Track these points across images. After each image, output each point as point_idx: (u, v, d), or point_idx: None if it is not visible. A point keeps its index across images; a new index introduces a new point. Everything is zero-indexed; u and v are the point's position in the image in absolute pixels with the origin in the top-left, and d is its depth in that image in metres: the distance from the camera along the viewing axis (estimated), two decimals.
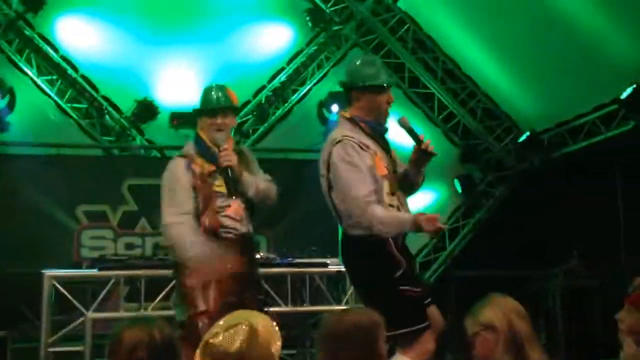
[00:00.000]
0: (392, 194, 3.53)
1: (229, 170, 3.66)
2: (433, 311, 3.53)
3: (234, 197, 3.69)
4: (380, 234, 3.40)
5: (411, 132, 3.56)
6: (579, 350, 6.62)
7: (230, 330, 2.03)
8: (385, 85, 3.58)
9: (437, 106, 8.49)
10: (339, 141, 3.45)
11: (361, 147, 3.48)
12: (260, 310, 3.41)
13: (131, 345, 2.20)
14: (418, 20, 8.23)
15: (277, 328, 2.09)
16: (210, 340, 2.03)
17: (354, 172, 3.43)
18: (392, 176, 3.55)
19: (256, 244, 3.88)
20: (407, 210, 3.60)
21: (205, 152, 3.74)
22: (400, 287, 3.37)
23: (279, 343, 2.08)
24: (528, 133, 8.21)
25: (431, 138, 6.76)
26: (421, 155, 3.57)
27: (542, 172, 8.16)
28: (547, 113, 8.02)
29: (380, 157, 3.52)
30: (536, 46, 7.20)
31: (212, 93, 3.78)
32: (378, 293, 3.37)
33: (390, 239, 3.43)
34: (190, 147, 3.82)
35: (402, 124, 3.57)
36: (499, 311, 2.54)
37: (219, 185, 3.70)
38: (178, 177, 3.68)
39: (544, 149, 8.22)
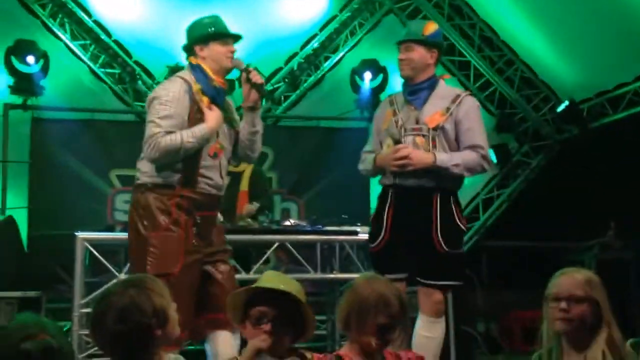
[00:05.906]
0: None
1: (259, 88, 3.42)
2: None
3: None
4: None
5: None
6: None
7: None
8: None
9: (473, 74, 8.32)
10: None
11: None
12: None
13: None
14: None
15: None
16: None
17: None
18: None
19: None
20: None
21: (208, 86, 3.36)
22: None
23: None
24: (567, 102, 7.99)
25: None
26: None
27: (580, 143, 7.97)
28: (587, 82, 7.80)
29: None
30: (576, 13, 6.96)
31: (218, 21, 3.51)
32: None
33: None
34: (187, 75, 3.41)
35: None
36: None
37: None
38: (179, 98, 3.34)
39: (583, 119, 8.01)
